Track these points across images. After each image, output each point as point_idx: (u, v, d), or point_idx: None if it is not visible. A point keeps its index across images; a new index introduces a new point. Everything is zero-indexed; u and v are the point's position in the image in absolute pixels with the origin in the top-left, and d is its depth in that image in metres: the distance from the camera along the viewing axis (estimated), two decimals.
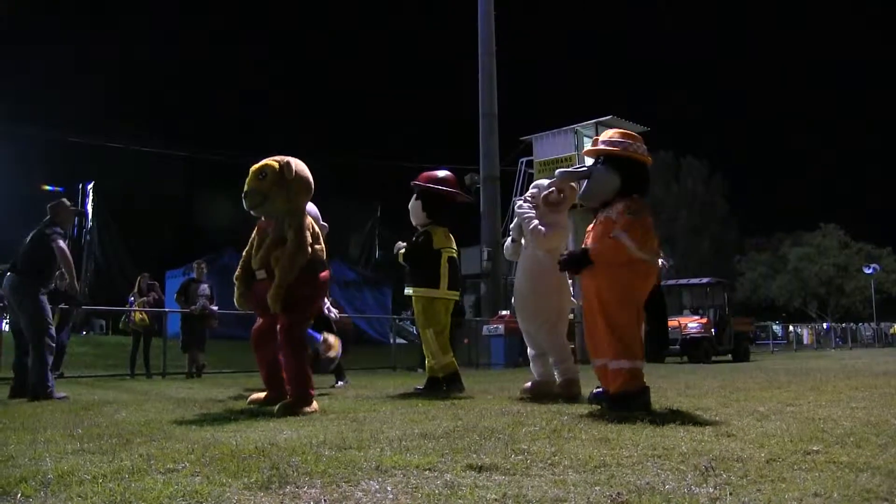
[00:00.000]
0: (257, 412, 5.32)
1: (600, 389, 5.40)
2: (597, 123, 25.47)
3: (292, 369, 5.56)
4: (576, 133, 25.33)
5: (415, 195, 7.62)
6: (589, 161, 6.00)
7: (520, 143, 26.86)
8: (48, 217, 7.70)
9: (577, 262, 5.30)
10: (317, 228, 5.83)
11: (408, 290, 7.63)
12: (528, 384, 6.80)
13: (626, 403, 4.90)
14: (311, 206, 7.80)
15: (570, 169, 6.13)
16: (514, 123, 29.24)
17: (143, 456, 3.24)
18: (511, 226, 7.14)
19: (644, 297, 5.21)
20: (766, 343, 33.22)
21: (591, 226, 5.48)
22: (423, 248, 7.49)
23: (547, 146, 25.16)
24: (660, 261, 5.56)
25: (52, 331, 7.51)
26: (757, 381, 8.16)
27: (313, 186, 5.81)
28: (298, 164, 5.71)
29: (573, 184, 6.45)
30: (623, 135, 5.51)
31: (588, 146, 5.34)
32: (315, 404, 5.47)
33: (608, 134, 5.61)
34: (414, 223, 7.70)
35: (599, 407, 5.16)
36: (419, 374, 9.61)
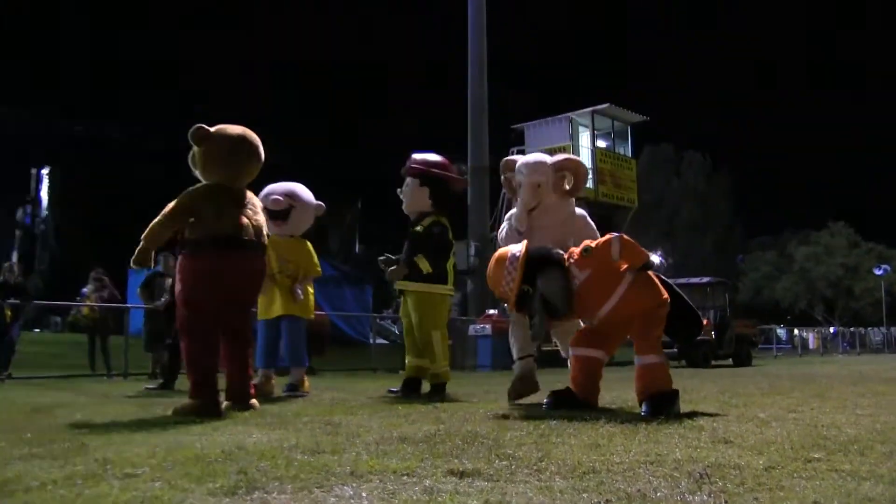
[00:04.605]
0: (225, 414, 5.30)
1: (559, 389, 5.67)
2: (593, 112, 25.66)
3: (184, 360, 5.67)
4: (571, 122, 25.44)
5: (418, 181, 7.44)
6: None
7: (511, 131, 26.93)
8: None
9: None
10: (230, 209, 5.68)
11: (413, 286, 7.31)
12: None
13: (668, 402, 5.14)
14: (302, 189, 7.81)
15: None
16: (504, 111, 29.23)
17: (98, 461, 3.22)
18: (514, 214, 6.73)
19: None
20: (770, 347, 33.37)
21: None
22: (443, 241, 7.40)
23: (540, 135, 25.29)
24: (656, 258, 5.58)
25: None
26: (758, 387, 8.21)
27: (229, 162, 5.71)
28: (218, 132, 5.67)
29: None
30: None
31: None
32: (214, 401, 5.40)
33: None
34: (409, 210, 7.54)
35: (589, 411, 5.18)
36: (400, 375, 9.60)
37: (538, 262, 5.33)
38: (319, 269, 8.07)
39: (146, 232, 5.46)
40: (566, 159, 6.72)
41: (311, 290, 7.97)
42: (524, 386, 6.33)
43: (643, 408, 5.14)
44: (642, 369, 5.25)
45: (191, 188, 5.63)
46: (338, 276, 29.09)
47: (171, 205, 5.53)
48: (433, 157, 7.65)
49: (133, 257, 5.46)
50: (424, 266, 7.22)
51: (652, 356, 5.23)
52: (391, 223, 7.82)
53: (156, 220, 5.48)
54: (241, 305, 5.90)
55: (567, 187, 6.51)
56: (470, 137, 21.64)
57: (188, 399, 5.42)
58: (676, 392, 5.24)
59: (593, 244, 5.38)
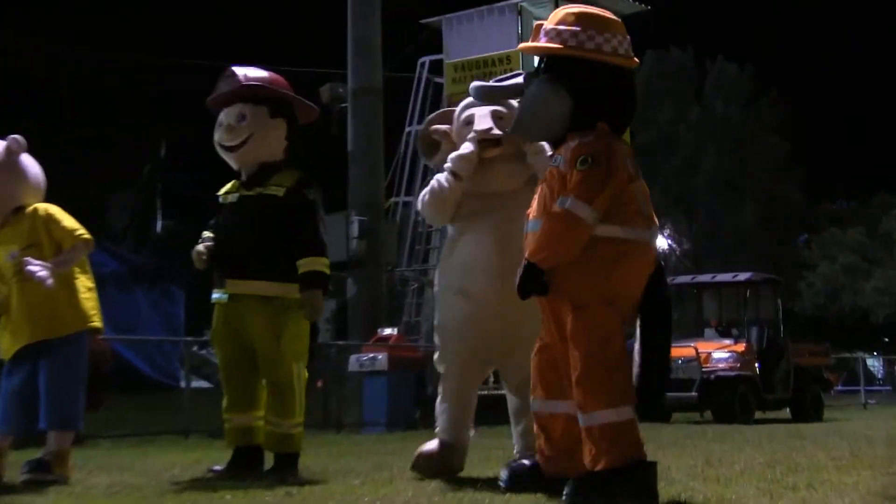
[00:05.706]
0: None
1: (523, 461, 5.79)
2: None
3: None
4: (520, 12, 25.45)
5: (266, 109, 7.30)
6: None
7: (420, 30, 26.91)
8: None
9: (531, 283, 5.35)
10: None
11: (263, 288, 7.17)
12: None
13: (611, 488, 5.00)
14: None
15: (493, 83, 6.25)
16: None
17: None
18: (452, 155, 6.68)
19: (630, 301, 5.40)
20: (855, 389, 33.95)
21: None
22: (321, 214, 7.39)
23: (468, 35, 25.19)
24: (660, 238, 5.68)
25: None
26: (833, 456, 8.34)
27: None
28: None
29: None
30: (582, 19, 5.58)
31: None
32: None
33: (557, 18, 5.66)
34: (251, 160, 7.40)
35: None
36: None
37: (564, 72, 5.49)
38: (83, 232, 7.65)
39: None
40: None
41: (88, 282, 7.68)
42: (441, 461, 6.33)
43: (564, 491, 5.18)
44: (589, 435, 5.18)
45: None
46: (124, 272, 28.65)
47: None
48: (258, 71, 7.60)
49: None
50: (325, 267, 7.24)
51: (602, 412, 5.13)
52: (220, 182, 7.65)
53: None
54: None
55: None
56: (350, 43, 21.58)
57: None
58: (651, 466, 5.27)
59: (590, 158, 5.34)
